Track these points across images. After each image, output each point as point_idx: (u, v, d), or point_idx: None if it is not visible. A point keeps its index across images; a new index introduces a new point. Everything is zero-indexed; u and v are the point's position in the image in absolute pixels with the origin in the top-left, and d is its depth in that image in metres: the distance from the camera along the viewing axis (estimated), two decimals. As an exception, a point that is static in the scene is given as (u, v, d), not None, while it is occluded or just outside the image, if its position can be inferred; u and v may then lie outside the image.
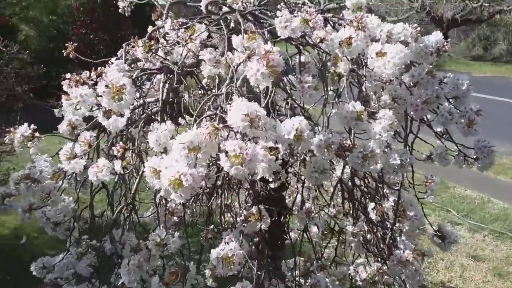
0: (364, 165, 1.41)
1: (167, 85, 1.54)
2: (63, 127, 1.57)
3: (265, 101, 1.44)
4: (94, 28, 9.20)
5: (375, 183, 2.02)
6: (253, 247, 1.90)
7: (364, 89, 1.64)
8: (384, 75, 1.42)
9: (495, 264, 3.93)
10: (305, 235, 1.84)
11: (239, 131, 1.26)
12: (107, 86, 1.36)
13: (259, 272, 1.97)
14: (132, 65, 1.71)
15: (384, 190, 1.97)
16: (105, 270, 1.53)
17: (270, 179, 1.44)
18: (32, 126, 1.51)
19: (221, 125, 1.25)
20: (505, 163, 6.38)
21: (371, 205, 1.87)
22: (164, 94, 1.52)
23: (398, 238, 2.08)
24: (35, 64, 5.66)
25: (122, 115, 1.47)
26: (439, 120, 1.52)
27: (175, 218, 1.66)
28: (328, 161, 1.42)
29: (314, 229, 1.82)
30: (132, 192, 1.48)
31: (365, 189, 2.02)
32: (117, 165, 1.39)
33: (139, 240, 1.51)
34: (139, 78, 1.69)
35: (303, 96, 1.40)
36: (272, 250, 2.32)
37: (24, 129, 1.47)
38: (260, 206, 1.53)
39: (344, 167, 1.77)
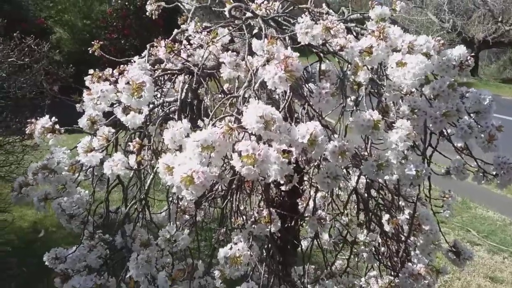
0: (378, 174, 1.39)
1: (186, 85, 1.55)
2: (83, 122, 1.59)
3: (283, 106, 1.43)
4: (126, 34, 9.39)
5: (391, 195, 1.99)
6: (264, 252, 1.89)
7: (383, 99, 1.63)
8: (404, 85, 1.40)
9: (513, 288, 3.83)
10: (316, 243, 1.82)
11: (254, 133, 1.26)
12: (127, 83, 1.38)
13: (267, 276, 1.96)
14: (155, 66, 1.73)
15: (400, 203, 1.93)
16: (115, 263, 1.54)
17: (282, 182, 1.43)
18: (54, 118, 1.54)
19: (235, 126, 1.25)
20: (529, 187, 6.20)
21: (386, 216, 1.84)
22: (183, 93, 1.53)
23: (412, 253, 2.04)
24: (66, 64, 5.80)
25: (140, 112, 1.48)
26: (457, 133, 1.49)
27: (186, 216, 1.66)
28: (343, 169, 1.40)
29: (325, 236, 1.79)
30: (146, 188, 1.49)
31: (381, 201, 1.99)
32: (132, 160, 1.40)
33: (150, 236, 1.52)
34: (160, 78, 1.72)
35: (319, 102, 1.39)
36: (283, 256, 2.30)
37: (45, 121, 1.50)
38: (271, 209, 1.51)
39: (359, 177, 1.75)
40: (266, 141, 1.30)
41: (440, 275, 2.34)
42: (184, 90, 1.54)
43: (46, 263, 1.79)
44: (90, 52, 1.79)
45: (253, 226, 1.47)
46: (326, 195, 1.92)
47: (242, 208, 1.82)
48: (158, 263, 1.46)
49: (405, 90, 1.47)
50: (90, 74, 1.53)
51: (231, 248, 1.31)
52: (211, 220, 2.19)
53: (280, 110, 1.45)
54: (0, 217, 4.94)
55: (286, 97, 1.45)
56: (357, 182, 1.73)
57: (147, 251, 1.43)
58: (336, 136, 1.42)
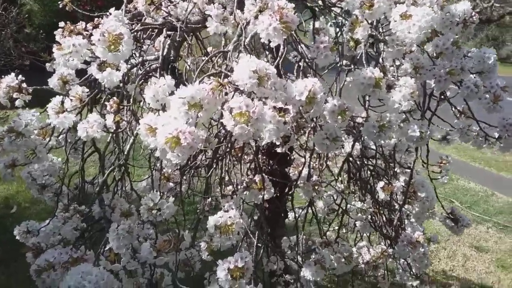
0: (380, 135, 1.29)
1: (169, 41, 1.41)
2: (53, 81, 1.45)
3: (277, 61, 1.31)
4: (99, 5, 9.01)
5: (386, 162, 1.90)
6: (252, 222, 1.79)
7: (381, 60, 1.52)
8: (408, 39, 1.29)
9: (498, 256, 3.84)
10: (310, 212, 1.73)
11: (246, 90, 1.14)
12: (103, 34, 1.23)
13: (258, 245, 1.87)
14: (133, 21, 1.58)
15: (395, 170, 1.85)
16: (92, 235, 1.42)
17: (278, 143, 1.32)
18: (20, 77, 1.39)
19: (226, 81, 1.13)
20: (508, 160, 6.25)
21: (380, 184, 1.76)
22: (166, 50, 1.39)
23: (406, 221, 1.98)
24: (36, 37, 5.49)
25: (118, 69, 1.34)
26: (463, 93, 1.40)
27: (171, 184, 1.54)
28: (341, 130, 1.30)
29: (319, 204, 1.70)
30: (125, 153, 1.36)
31: (374, 168, 1.90)
32: (109, 119, 1.27)
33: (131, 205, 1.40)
34: (139, 35, 1.57)
35: (317, 58, 1.27)
36: (272, 228, 2.22)
37: (10, 79, 1.35)
38: (264, 175, 1.41)
39: (354, 142, 1.65)
40: (260, 99, 1.19)
41: (430, 243, 2.30)
42: (167, 46, 1.40)
43: (17, 237, 1.67)
44: (60, 6, 1.63)
45: (245, 192, 1.36)
46: (315, 164, 1.82)
47: (228, 178, 1.71)
48: (140, 234, 1.34)
49: (408, 45, 1.36)
50: (61, 27, 1.38)
51: (221, 216, 1.20)
52: (194, 192, 2.06)
53: (274, 65, 1.33)
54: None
55: (280, 53, 1.32)
56: (352, 147, 1.63)
57: (128, 221, 1.32)
58: (333, 95, 1.30)
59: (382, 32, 1.43)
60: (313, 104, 1.18)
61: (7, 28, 3.77)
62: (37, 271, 1.29)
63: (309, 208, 1.70)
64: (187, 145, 1.11)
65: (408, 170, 1.79)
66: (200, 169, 1.96)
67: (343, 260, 1.53)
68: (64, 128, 1.34)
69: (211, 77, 1.14)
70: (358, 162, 1.93)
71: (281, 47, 1.34)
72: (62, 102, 1.37)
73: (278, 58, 1.32)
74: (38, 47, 5.32)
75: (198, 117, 1.14)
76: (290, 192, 2.00)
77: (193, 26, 1.50)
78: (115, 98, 1.31)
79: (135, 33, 1.49)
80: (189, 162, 1.91)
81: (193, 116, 1.14)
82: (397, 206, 1.87)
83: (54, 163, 1.48)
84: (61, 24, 1.37)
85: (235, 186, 1.48)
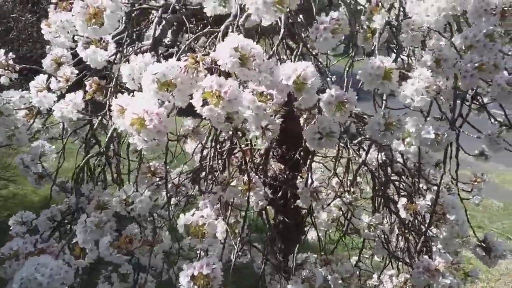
0: (385, 135, 1.12)
1: (164, 22, 1.32)
2: (46, 62, 1.39)
3: (277, 43, 1.18)
4: None
5: (411, 177, 1.70)
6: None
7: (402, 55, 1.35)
8: (426, 23, 1.12)
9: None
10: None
11: (226, 69, 1.02)
12: (83, 6, 1.16)
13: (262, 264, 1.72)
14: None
15: (420, 185, 1.64)
16: (67, 227, 1.34)
17: (257, 133, 1.18)
18: (10, 54, 1.34)
19: (201, 57, 1.01)
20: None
21: (402, 201, 1.55)
22: (158, 31, 1.30)
23: (434, 248, 1.75)
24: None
25: (105, 49, 1.27)
26: (493, 91, 1.20)
27: (156, 178, 1.43)
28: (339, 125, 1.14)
29: (323, 215, 1.53)
30: (107, 139, 1.27)
31: (398, 183, 1.70)
32: (79, 97, 1.19)
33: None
34: (140, 19, 1.49)
35: (316, 40, 1.13)
36: (285, 243, 2.05)
37: (-2, 55, 1.31)
38: (252, 174, 1.27)
39: (369, 147, 1.47)
40: (243, 83, 1.06)
41: (468, 278, 2.03)
42: (160, 27, 1.31)
43: (11, 227, 1.62)
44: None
45: (223, 188, 1.22)
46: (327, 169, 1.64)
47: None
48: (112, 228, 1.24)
49: (425, 30, 1.19)
50: (53, 3, 1.32)
51: (193, 215, 1.07)
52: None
53: (275, 46, 1.21)
54: (14, 190, 4.92)
55: (280, 35, 1.19)
56: (366, 153, 1.45)
57: (102, 215, 1.22)
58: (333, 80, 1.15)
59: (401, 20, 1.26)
60: (303, 91, 1.03)
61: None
62: (0, 259, 1.21)
63: (310, 218, 1.52)
64: (153, 127, 1.00)
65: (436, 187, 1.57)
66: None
67: (340, 281, 1.34)
68: (42, 107, 1.26)
69: (188, 54, 1.02)
70: (382, 175, 1.74)
71: (281, 26, 1.21)
72: (48, 81, 1.30)
73: (278, 42, 1.19)
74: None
75: (172, 97, 1.03)
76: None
77: (193, 8, 1.40)
78: (96, 78, 1.23)
79: (133, 16, 1.41)
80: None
81: (166, 95, 1.03)
82: (423, 228, 1.65)
83: (39, 146, 1.42)
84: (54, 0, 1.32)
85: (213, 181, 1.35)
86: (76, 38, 1.33)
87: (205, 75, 1.02)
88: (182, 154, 2.09)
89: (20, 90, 1.42)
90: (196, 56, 1.01)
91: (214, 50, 1.12)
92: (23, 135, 1.32)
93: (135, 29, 1.48)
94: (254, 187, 1.27)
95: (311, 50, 1.26)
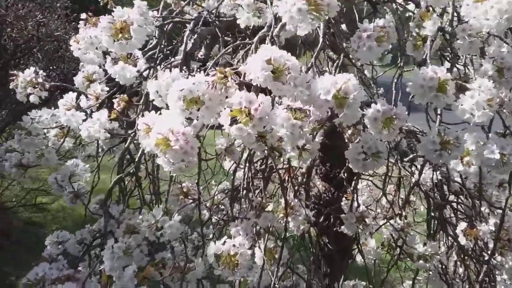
0: (442, 155, 0.99)
1: (195, 36, 1.25)
2: (78, 79, 1.36)
3: (315, 54, 1.08)
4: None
5: (471, 199, 1.53)
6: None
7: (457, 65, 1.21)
8: (485, 28, 0.99)
9: None
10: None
11: (258, 84, 0.93)
12: (109, 21, 1.11)
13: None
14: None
15: (482, 208, 1.48)
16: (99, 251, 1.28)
17: (293, 154, 1.07)
18: (41, 72, 1.32)
19: (230, 71, 0.92)
20: None
21: (461, 226, 1.40)
22: (189, 44, 1.23)
23: (499, 277, 1.57)
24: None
25: (135, 65, 1.22)
26: None
27: (190, 200, 1.35)
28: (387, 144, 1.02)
29: (371, 242, 1.39)
30: (137, 159, 1.21)
31: (455, 204, 1.55)
32: (104, 116, 1.13)
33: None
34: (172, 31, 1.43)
35: (358, 50, 1.02)
36: (331, 267, 1.92)
37: (28, 73, 1.28)
38: (291, 197, 1.16)
39: (423, 166, 1.33)
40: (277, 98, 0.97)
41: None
42: (191, 41, 1.24)
43: (48, 247, 1.59)
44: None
45: (257, 214, 1.12)
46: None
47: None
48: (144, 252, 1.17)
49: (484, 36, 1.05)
50: (83, 19, 1.29)
51: (224, 243, 0.98)
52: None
53: (313, 59, 1.11)
54: (63, 204, 5.03)
55: (319, 45, 1.09)
56: (420, 174, 1.31)
57: (131, 240, 1.15)
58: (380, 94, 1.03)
59: (456, 26, 1.13)
60: (345, 106, 0.92)
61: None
62: (25, 285, 1.17)
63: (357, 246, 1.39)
64: (180, 148, 0.93)
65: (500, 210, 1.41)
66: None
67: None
68: (71, 126, 1.22)
69: (216, 68, 0.94)
70: (438, 196, 1.59)
71: (320, 35, 1.11)
72: (78, 99, 1.26)
73: (315, 53, 1.09)
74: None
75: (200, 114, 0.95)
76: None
77: (227, 20, 1.33)
78: (124, 95, 1.17)
79: (166, 30, 1.36)
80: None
81: (194, 113, 0.95)
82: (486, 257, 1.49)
83: (72, 165, 1.38)
84: (83, 15, 1.28)
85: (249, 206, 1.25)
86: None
87: (236, 91, 0.94)
88: (222, 170, 2.01)
89: (52, 108, 1.39)
90: (225, 71, 0.93)
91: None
92: (52, 155, 1.29)
93: (168, 44, 1.42)
94: (292, 212, 1.16)
95: (354, 61, 1.14)
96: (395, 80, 1.22)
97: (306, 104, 0.94)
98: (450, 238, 1.65)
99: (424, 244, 1.42)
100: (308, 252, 1.57)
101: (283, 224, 1.15)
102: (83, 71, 1.39)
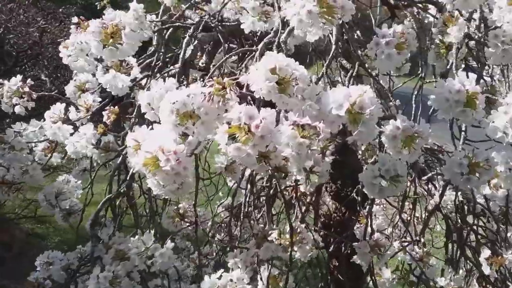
0: (470, 180, 0.86)
1: (195, 42, 1.14)
2: (69, 89, 1.26)
3: (327, 62, 0.97)
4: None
5: (496, 223, 1.40)
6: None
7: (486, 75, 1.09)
8: (521, 34, 0.87)
9: None
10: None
11: (261, 96, 0.81)
12: (100, 25, 1.01)
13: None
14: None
15: (509, 235, 1.35)
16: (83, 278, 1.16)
17: (299, 177, 0.95)
18: (29, 80, 1.21)
19: (230, 81, 0.81)
20: None
21: (485, 253, 1.26)
22: (188, 51, 1.13)
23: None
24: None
25: (127, 74, 1.11)
26: None
27: (187, 223, 1.23)
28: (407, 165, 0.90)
29: (386, 273, 1.26)
30: (128, 177, 1.10)
31: (480, 230, 1.41)
32: (89, 130, 1.02)
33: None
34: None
35: (376, 58, 0.90)
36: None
37: (14, 82, 1.18)
38: (296, 223, 1.04)
39: (444, 189, 1.20)
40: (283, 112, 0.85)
41: None
42: (190, 47, 1.13)
43: (38, 268, 1.48)
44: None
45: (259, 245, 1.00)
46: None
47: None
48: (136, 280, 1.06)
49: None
50: (74, 24, 1.18)
51: (220, 278, 0.86)
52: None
53: (324, 68, 0.99)
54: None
55: (331, 53, 0.97)
56: (441, 197, 1.18)
57: (119, 268, 1.03)
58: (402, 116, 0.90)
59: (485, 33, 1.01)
60: (359, 122, 0.80)
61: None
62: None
63: (371, 278, 1.25)
64: (170, 170, 0.81)
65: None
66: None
67: None
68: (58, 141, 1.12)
69: (213, 78, 0.83)
70: (457, 218, 1.46)
71: (333, 41, 0.99)
72: (66, 111, 1.16)
73: (330, 56, 0.98)
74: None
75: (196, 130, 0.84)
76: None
77: (230, 25, 1.22)
78: (113, 107, 1.06)
79: (164, 36, 1.25)
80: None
81: (190, 127, 0.84)
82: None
83: (61, 182, 1.28)
84: (75, 19, 1.18)
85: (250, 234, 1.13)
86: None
87: (236, 104, 0.82)
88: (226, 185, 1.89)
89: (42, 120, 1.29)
90: (223, 81, 0.82)
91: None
92: (37, 171, 1.19)
93: (168, 51, 1.31)
94: (299, 240, 1.04)
95: (369, 70, 1.03)
96: (415, 92, 1.10)
97: (316, 120, 0.82)
98: (469, 262, 1.52)
99: (442, 273, 1.29)
100: (317, 279, 1.44)
101: (288, 253, 1.03)
102: (75, 80, 1.29)
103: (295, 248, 1.06)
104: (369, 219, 1.17)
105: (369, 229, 1.20)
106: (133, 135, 0.91)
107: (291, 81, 0.83)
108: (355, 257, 1.17)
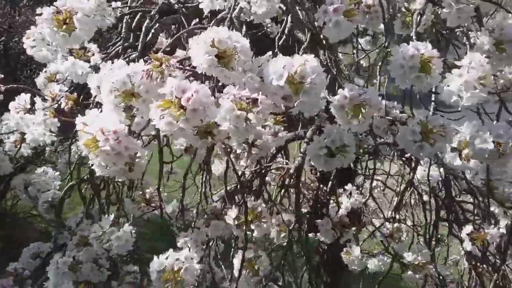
0: (423, 147, 0.83)
1: (157, 25, 1.13)
2: (39, 80, 1.26)
3: (279, 34, 0.94)
4: None
5: (476, 199, 1.35)
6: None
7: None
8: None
9: None
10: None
11: (202, 71, 0.79)
12: (54, 12, 1.00)
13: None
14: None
15: (492, 210, 1.30)
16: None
17: (238, 150, 0.93)
18: (-1, 73, 1.22)
19: (166, 57, 0.79)
20: None
21: (467, 229, 1.22)
22: (149, 35, 1.11)
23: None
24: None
25: (88, 61, 1.11)
26: None
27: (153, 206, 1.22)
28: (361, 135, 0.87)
29: (355, 251, 1.23)
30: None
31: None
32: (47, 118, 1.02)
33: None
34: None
35: (323, 27, 0.87)
36: (332, 277, 1.76)
37: (-18, 75, 1.18)
38: (255, 200, 1.01)
39: (417, 163, 1.16)
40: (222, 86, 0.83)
41: None
42: (152, 31, 1.12)
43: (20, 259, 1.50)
44: None
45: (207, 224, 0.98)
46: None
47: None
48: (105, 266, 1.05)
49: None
50: (38, 14, 1.18)
51: (168, 257, 0.84)
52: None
53: (278, 43, 0.97)
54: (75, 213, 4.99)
55: (287, 25, 0.95)
56: (414, 170, 1.14)
57: (80, 254, 1.03)
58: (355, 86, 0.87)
59: None
60: (301, 92, 0.77)
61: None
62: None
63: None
64: (110, 149, 0.80)
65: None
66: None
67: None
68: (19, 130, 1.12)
69: (151, 55, 0.81)
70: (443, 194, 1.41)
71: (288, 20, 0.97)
72: (32, 101, 1.16)
73: (278, 35, 0.95)
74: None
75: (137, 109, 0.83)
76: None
77: (192, 6, 1.20)
78: (70, 94, 1.06)
79: (128, 21, 1.24)
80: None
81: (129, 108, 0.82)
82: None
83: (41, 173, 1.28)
84: (39, 10, 1.17)
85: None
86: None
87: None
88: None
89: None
90: (160, 57, 0.80)
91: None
92: (5, 163, 1.18)
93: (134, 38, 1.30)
94: (259, 218, 1.02)
95: (325, 42, 0.99)
96: (379, 63, 1.07)
97: (256, 92, 0.79)
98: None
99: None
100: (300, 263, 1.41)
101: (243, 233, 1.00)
102: (45, 71, 1.29)
103: (253, 227, 1.03)
104: (336, 194, 1.14)
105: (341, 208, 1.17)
106: (82, 118, 0.90)
107: (233, 54, 0.81)
108: (318, 234, 1.14)
